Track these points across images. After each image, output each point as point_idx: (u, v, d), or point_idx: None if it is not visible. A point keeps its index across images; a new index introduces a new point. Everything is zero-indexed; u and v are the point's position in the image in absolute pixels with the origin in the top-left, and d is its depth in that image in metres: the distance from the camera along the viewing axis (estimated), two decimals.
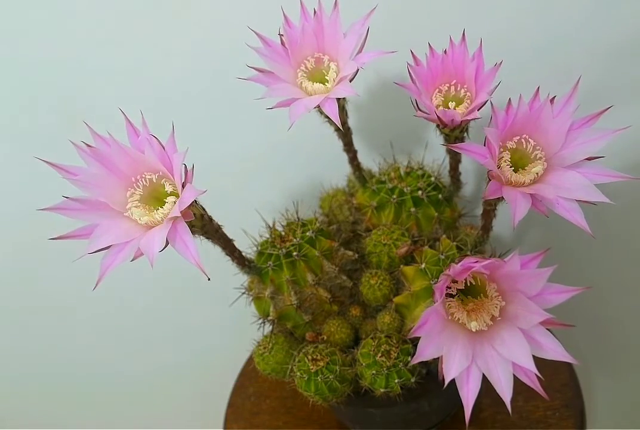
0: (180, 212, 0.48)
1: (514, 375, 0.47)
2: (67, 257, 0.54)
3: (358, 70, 0.57)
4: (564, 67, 0.74)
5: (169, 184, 0.51)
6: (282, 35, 0.59)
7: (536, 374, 0.46)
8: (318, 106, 0.56)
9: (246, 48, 0.57)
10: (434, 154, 0.73)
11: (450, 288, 0.50)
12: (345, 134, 0.68)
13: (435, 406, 0.74)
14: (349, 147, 0.70)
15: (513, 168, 0.53)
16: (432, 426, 0.79)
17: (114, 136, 0.51)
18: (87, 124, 0.51)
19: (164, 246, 0.48)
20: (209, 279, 0.47)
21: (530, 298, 0.47)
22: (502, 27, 0.73)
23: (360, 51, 0.58)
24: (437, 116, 0.57)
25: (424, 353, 0.47)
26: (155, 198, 0.53)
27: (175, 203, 0.50)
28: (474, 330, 0.49)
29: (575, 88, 0.52)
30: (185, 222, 0.49)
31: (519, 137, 0.53)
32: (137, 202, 0.52)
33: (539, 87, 0.53)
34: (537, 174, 0.52)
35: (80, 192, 0.51)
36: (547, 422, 0.78)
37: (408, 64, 0.57)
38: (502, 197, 0.51)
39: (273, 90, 0.58)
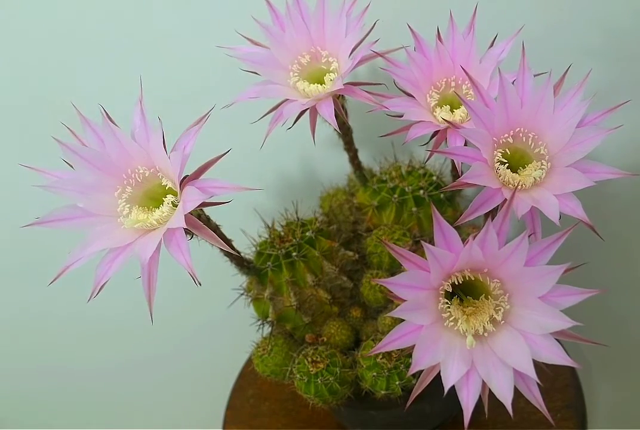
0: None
1: (515, 387, 0.43)
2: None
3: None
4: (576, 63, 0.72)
5: (167, 180, 0.48)
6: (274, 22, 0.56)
7: (537, 382, 0.43)
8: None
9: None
10: None
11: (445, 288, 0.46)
12: (345, 133, 0.67)
13: (436, 408, 0.73)
14: (350, 146, 0.70)
15: (509, 167, 0.48)
16: (433, 428, 0.79)
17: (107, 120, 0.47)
18: (75, 107, 0.48)
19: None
20: (200, 285, 0.45)
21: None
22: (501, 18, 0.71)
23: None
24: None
25: (421, 362, 0.44)
26: (150, 197, 0.50)
27: (172, 203, 0.47)
28: (468, 346, 0.45)
29: (584, 80, 0.48)
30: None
31: (517, 130, 0.49)
32: (126, 203, 0.48)
33: (524, 69, 0.47)
34: (539, 177, 0.48)
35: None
36: (548, 423, 0.77)
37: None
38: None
39: (266, 91, 0.55)
